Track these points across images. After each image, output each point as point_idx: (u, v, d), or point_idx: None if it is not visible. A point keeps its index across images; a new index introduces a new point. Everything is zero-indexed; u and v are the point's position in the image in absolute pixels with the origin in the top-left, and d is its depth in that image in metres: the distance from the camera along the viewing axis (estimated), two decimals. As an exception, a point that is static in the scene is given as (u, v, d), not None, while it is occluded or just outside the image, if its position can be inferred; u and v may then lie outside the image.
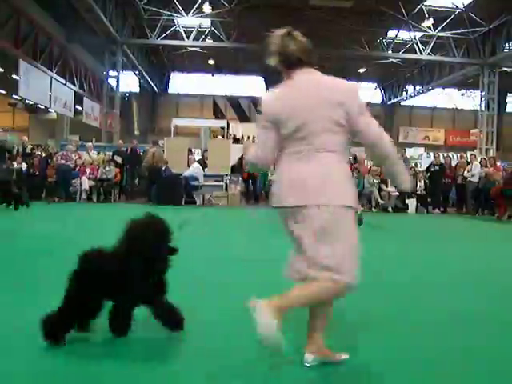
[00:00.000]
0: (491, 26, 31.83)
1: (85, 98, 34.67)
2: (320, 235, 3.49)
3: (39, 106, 30.73)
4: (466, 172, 21.22)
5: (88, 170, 20.52)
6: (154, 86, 46.93)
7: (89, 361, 3.71)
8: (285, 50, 3.80)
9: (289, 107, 3.65)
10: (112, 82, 34.15)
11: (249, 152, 3.98)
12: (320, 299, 3.61)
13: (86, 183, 20.09)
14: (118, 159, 21.85)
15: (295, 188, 3.57)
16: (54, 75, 29.52)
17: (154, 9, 31.75)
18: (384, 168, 3.94)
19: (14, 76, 27.27)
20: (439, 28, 32.59)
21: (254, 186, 23.53)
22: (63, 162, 20.16)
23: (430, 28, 32.77)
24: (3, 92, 35.69)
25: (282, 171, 3.71)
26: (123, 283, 3.94)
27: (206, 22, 34.14)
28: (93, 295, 3.95)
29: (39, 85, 27.02)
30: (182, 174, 20.41)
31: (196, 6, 31.41)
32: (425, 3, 30.24)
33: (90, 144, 23.99)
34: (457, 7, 30.58)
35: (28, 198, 15.90)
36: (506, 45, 32.45)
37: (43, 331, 3.80)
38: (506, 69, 37.46)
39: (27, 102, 32.08)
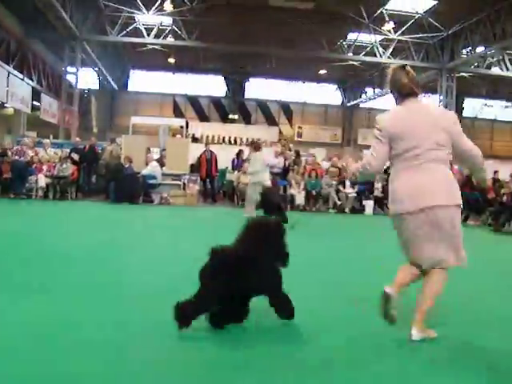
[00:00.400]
0: (450, 32, 32.29)
1: (43, 94, 34.21)
2: (449, 228, 4.59)
3: (-5, 101, 30.28)
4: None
5: (45, 167, 20.26)
6: (114, 84, 46.46)
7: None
8: (398, 83, 4.84)
9: (402, 130, 4.66)
10: (71, 78, 33.80)
11: (359, 163, 5.10)
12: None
13: (42, 180, 19.82)
14: (75, 156, 21.63)
15: (420, 193, 4.59)
16: (11, 70, 29.10)
17: (114, 5, 31.49)
18: (474, 174, 5.43)
19: (-31, 70, 26.89)
20: (399, 32, 32.93)
21: (212, 185, 23.57)
22: (17, 157, 19.95)
23: (390, 32, 33.07)
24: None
25: (401, 182, 4.75)
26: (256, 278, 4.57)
27: (167, 20, 33.95)
28: (225, 290, 4.49)
29: (-5, 79, 26.64)
30: (139, 173, 20.31)
31: (157, 3, 31.24)
32: (385, 7, 30.47)
33: (47, 141, 23.72)
34: (417, 12, 30.91)
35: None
36: (464, 50, 32.94)
37: (176, 315, 4.39)
38: (463, 74, 38.01)
39: (-18, 96, 31.65)
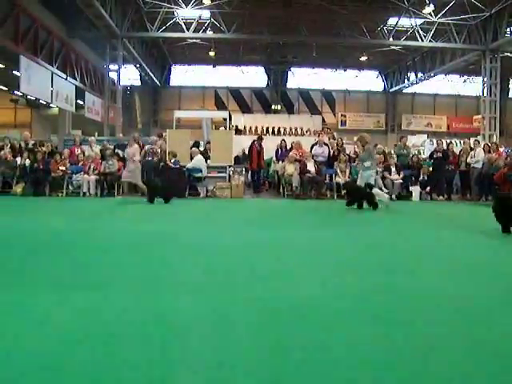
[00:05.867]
0: (492, 11, 31.71)
1: (86, 93, 34.63)
2: None
3: (41, 101, 30.69)
4: (469, 158, 21.17)
5: (92, 165, 20.46)
6: (155, 79, 46.85)
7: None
8: None
9: None
10: (113, 75, 34.20)
11: None
12: None
13: (89, 177, 20.04)
14: (120, 153, 21.84)
15: None
16: (55, 70, 29.50)
17: (153, 1, 31.72)
18: None
19: (15, 72, 27.30)
20: (440, 14, 32.50)
21: (258, 176, 23.61)
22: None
23: (430, 14, 32.67)
24: (5, 88, 35.73)
25: None
26: None
27: (206, 14, 34.08)
28: None
29: (40, 80, 26.99)
30: (185, 166, 20.35)
31: (195, -3, 31.39)
32: (425, -10, 30.20)
33: (93, 138, 23.92)
34: (457, -7, 30.53)
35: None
36: (508, 29, 32.31)
37: None
38: (508, 54, 37.36)
39: (29, 97, 32.10)
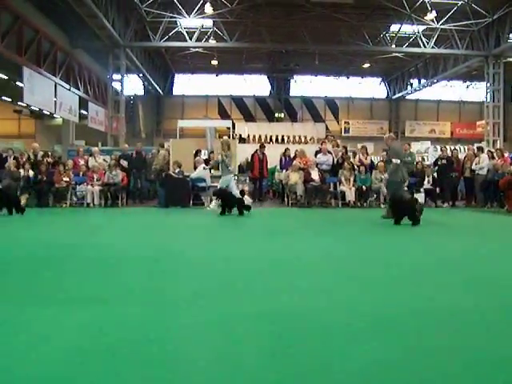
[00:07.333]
0: (495, 17, 31.68)
1: (90, 103, 34.68)
2: None
3: (44, 111, 30.70)
4: (473, 165, 21.06)
5: (95, 176, 20.45)
6: (159, 88, 46.92)
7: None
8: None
9: None
10: (116, 85, 34.23)
11: None
12: None
13: (93, 188, 20.03)
14: (124, 163, 21.82)
15: None
16: (59, 81, 29.56)
17: (156, 11, 31.75)
18: None
19: (19, 83, 27.30)
20: (442, 21, 32.48)
21: (260, 184, 23.63)
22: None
23: (432, 21, 32.65)
24: (8, 99, 35.74)
25: None
26: None
27: (208, 23, 34.18)
28: None
29: (44, 91, 26.99)
30: (188, 176, 20.31)
31: (197, 6, 31.38)
32: (427, -4, 30.19)
33: (96, 148, 23.91)
34: (459, -1, 30.52)
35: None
36: (511, 35, 32.26)
37: None
38: (510, 59, 37.30)
39: (32, 108, 32.09)
